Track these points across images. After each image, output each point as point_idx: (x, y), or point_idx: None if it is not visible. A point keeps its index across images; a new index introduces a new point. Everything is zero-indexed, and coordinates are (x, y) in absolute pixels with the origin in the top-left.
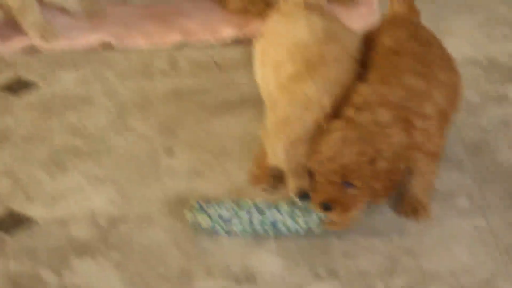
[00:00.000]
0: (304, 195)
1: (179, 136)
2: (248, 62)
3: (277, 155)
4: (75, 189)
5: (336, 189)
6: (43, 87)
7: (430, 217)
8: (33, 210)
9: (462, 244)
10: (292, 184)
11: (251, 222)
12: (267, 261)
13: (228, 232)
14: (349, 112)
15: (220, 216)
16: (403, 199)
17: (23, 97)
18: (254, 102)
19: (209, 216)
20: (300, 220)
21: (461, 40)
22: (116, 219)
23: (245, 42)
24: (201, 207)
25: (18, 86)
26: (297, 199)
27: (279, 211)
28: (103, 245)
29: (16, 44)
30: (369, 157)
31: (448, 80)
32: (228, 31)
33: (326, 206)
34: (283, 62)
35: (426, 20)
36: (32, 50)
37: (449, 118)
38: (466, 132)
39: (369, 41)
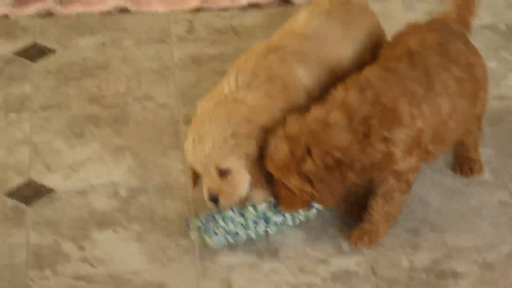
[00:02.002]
0: (213, 199)
1: (198, 103)
2: (265, 27)
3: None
4: (94, 159)
5: (278, 185)
6: (60, 53)
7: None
8: (52, 181)
9: (486, 219)
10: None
11: (257, 231)
12: (290, 235)
13: (236, 241)
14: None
15: (227, 232)
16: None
17: (40, 63)
18: None
19: (215, 233)
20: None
21: (480, 7)
22: (136, 190)
23: (262, 6)
24: (205, 227)
25: (35, 52)
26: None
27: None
28: (124, 217)
29: (31, 8)
30: (298, 156)
31: (448, 109)
32: None
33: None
34: None
35: None
36: (48, 14)
37: (436, 148)
38: None
39: (399, 38)
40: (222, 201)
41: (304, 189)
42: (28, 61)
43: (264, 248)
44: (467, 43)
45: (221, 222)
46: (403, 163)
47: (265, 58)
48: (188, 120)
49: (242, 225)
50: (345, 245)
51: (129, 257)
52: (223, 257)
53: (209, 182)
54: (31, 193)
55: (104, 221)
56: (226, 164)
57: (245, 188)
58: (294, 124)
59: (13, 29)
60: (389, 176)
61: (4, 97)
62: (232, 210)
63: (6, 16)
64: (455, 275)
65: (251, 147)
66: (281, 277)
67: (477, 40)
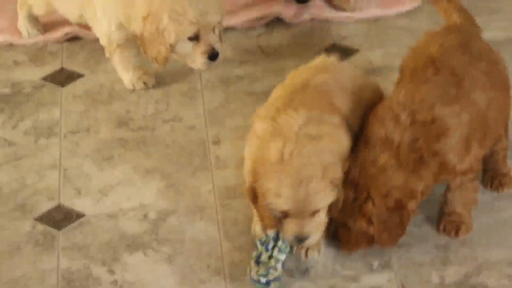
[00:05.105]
0: (302, 239)
1: (227, 124)
2: (292, 46)
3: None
4: (124, 182)
5: (341, 229)
6: (88, 77)
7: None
8: (82, 205)
9: None
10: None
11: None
12: (320, 254)
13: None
14: (358, 149)
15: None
16: (442, 215)
17: (69, 88)
18: None
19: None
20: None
21: (509, 18)
22: (166, 212)
23: (288, 25)
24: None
25: (63, 77)
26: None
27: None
28: (154, 239)
29: (59, 33)
30: (360, 200)
31: (485, 101)
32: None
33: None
34: None
35: None
36: (75, 39)
37: (485, 136)
38: None
39: (419, 48)
40: (310, 240)
41: (366, 231)
42: (56, 86)
43: (294, 267)
44: (486, 43)
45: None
46: (462, 164)
47: (304, 93)
48: (216, 142)
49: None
50: (375, 263)
51: (159, 279)
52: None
53: (303, 224)
54: (61, 217)
55: (134, 244)
56: (320, 205)
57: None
58: (352, 170)
59: (41, 55)
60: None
61: (34, 122)
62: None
63: (34, 42)
64: None
65: (338, 181)
66: None
67: (504, 53)
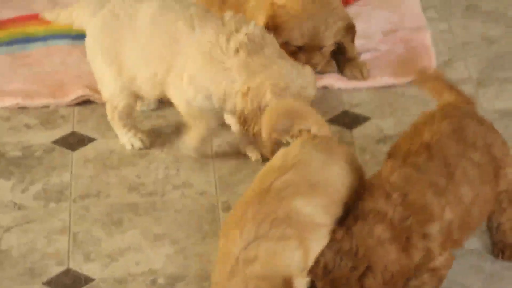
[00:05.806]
0: None
1: (237, 190)
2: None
3: None
4: (133, 247)
5: None
6: (99, 141)
7: None
8: (91, 269)
9: None
10: None
11: None
12: None
13: None
14: (349, 222)
15: None
16: None
17: (79, 152)
18: None
19: None
20: None
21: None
22: (175, 278)
23: None
24: None
25: (74, 141)
26: None
27: None
28: None
29: (70, 96)
30: (360, 272)
31: (470, 197)
32: None
33: None
34: None
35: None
36: (86, 103)
37: (462, 236)
38: None
39: (415, 130)
40: None
41: None
42: (67, 150)
43: None
44: (482, 122)
45: None
46: (440, 259)
47: (262, 203)
48: (227, 208)
49: None
50: None
51: None
52: None
53: None
54: (70, 282)
55: None
56: None
57: None
58: (347, 240)
59: (52, 118)
60: (425, 273)
61: (44, 186)
62: None
63: (46, 106)
64: None
65: None
66: None
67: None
